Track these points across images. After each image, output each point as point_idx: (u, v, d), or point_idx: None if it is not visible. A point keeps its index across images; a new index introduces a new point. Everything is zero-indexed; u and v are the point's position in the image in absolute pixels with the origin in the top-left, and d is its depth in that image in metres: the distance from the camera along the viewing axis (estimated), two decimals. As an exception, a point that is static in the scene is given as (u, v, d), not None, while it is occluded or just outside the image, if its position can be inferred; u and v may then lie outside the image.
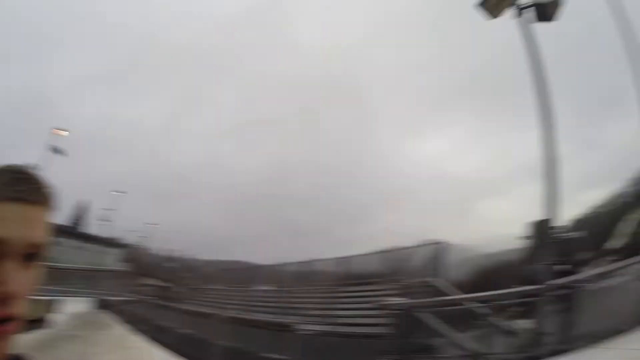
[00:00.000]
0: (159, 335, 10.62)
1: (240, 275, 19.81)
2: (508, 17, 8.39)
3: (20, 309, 0.57)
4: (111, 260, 44.36)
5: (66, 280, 36.07)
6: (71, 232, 44.81)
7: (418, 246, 10.59)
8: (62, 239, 39.62)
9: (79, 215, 59.96)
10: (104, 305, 20.73)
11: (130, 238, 49.77)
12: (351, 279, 11.53)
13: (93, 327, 14.95)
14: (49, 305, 18.45)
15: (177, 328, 9.53)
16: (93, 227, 45.31)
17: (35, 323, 16.42)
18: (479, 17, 8.73)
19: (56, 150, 23.39)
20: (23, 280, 0.56)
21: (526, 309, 7.23)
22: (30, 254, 0.58)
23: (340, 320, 9.58)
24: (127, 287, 34.27)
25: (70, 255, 39.70)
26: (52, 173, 20.63)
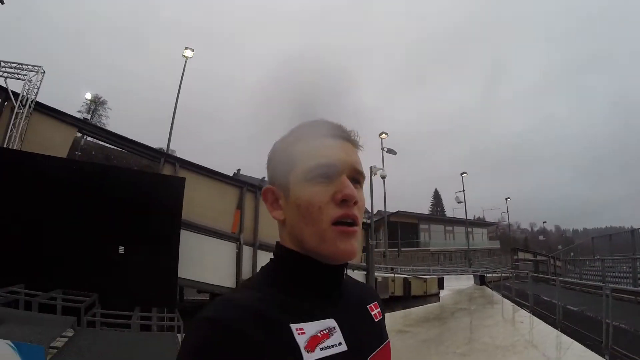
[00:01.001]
0: (541, 310, 10.11)
1: (620, 241, 16.68)
2: None
3: (357, 215, 0.72)
4: (480, 239, 46.31)
5: (445, 260, 40.36)
6: (437, 218, 49.99)
7: None
8: (431, 226, 44.76)
9: (437, 203, 66.18)
10: (482, 282, 21.64)
11: (490, 215, 50.79)
12: None
13: (479, 301, 15.84)
14: (437, 283, 21.05)
15: (560, 303, 8.75)
16: (454, 212, 48.40)
17: (428, 298, 19.12)
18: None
19: (389, 151, 26.66)
20: (357, 193, 0.72)
21: None
22: (356, 178, 0.75)
23: None
24: (501, 263, 34.77)
25: (441, 239, 44.21)
26: (388, 170, 23.78)
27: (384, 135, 29.63)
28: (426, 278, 21.22)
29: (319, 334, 0.65)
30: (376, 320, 0.84)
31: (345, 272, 0.81)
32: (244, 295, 0.66)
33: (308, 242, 0.71)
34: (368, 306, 0.85)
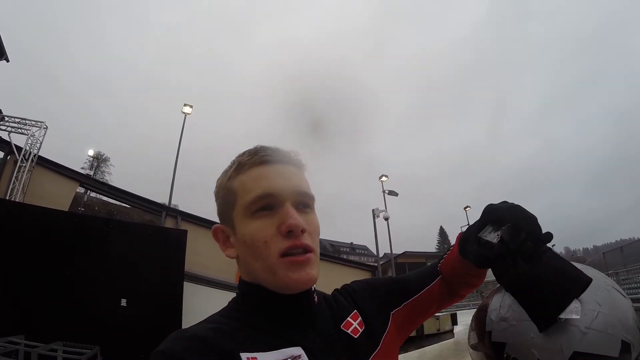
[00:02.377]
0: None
1: (632, 252, 16.39)
2: None
3: (309, 242, 0.71)
4: (490, 271, 45.49)
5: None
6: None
7: None
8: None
9: (444, 240, 65.51)
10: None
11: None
12: None
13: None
14: (450, 319, 20.50)
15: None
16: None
17: (442, 335, 18.56)
18: None
19: (390, 193, 27.05)
20: (303, 219, 0.71)
21: None
22: (303, 202, 0.74)
23: None
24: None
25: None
26: (391, 212, 23.91)
27: (384, 178, 29.88)
28: (439, 315, 20.65)
29: None
30: (356, 337, 0.79)
31: (315, 292, 0.79)
32: (197, 327, 0.68)
33: (260, 276, 0.71)
34: (342, 325, 0.80)
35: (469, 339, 1.37)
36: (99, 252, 8.75)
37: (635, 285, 14.28)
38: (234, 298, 0.78)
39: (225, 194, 0.75)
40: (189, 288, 10.26)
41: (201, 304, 10.84)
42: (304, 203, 0.74)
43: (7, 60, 19.42)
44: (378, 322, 0.85)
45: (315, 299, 0.79)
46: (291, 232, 0.68)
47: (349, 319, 0.82)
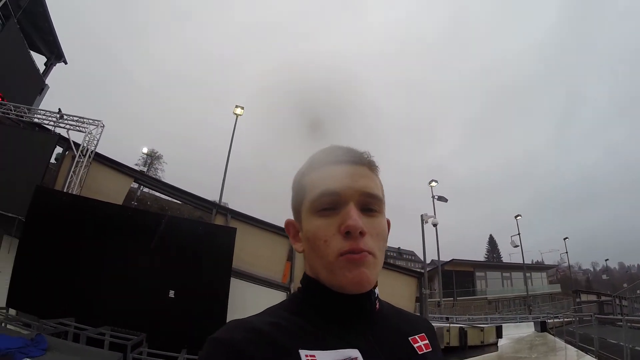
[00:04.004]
0: (608, 355, 9.31)
1: None
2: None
3: (369, 245, 0.69)
4: (539, 283, 43.42)
5: (504, 308, 37.96)
6: (493, 265, 47.65)
7: None
8: (487, 273, 42.68)
9: (493, 249, 63.25)
10: (544, 328, 20.15)
11: (549, 258, 47.58)
12: None
13: (540, 349, 14.74)
14: (495, 332, 19.82)
15: (628, 345, 8.08)
16: (510, 257, 46.02)
17: (486, 347, 17.96)
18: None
19: (440, 199, 26.65)
20: (365, 221, 0.70)
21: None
22: (368, 204, 0.73)
23: None
24: (563, 307, 32.29)
25: (498, 286, 41.88)
26: (441, 219, 23.32)
27: (433, 183, 29.35)
28: (483, 327, 20.00)
29: None
30: (420, 353, 0.77)
31: (377, 302, 0.79)
32: (257, 319, 0.68)
33: (321, 273, 0.71)
34: (411, 338, 0.79)
35: None
36: (151, 245, 9.21)
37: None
38: (294, 292, 0.79)
39: (297, 190, 0.77)
40: (235, 284, 10.54)
41: (246, 300, 11.11)
42: (370, 204, 0.73)
43: (66, 63, 20.85)
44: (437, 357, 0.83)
45: (377, 306, 0.78)
46: (349, 234, 0.68)
47: (417, 336, 0.80)
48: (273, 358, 0.60)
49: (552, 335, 17.66)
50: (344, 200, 0.70)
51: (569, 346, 12.91)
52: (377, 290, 0.77)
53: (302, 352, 0.62)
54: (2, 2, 14.75)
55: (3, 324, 7.14)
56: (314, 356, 0.62)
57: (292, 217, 0.80)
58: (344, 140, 0.80)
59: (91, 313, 8.18)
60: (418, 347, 0.78)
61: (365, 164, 0.75)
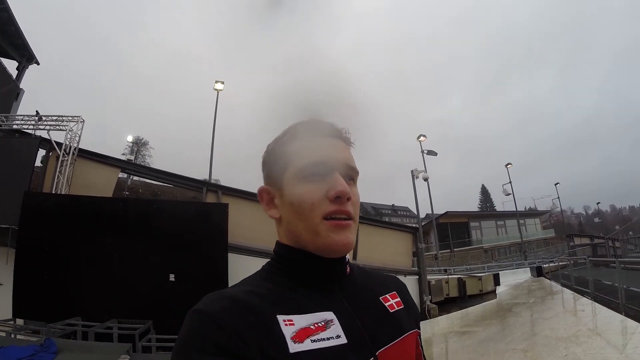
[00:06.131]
0: (603, 296, 9.60)
1: None
2: None
3: (353, 211, 0.75)
4: (533, 229, 44.39)
5: (500, 256, 38.92)
6: (487, 214, 48.51)
7: None
8: (482, 222, 43.49)
9: (486, 199, 64.24)
10: (540, 273, 20.74)
11: (541, 204, 48.51)
12: None
13: (537, 294, 15.17)
14: (492, 280, 20.35)
15: (623, 286, 8.30)
16: (504, 206, 46.83)
17: (485, 296, 18.49)
18: None
19: (429, 152, 26.86)
20: (351, 189, 0.75)
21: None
22: (350, 175, 0.78)
23: None
24: (557, 252, 33.18)
25: (493, 234, 42.81)
26: (436, 172, 23.41)
27: (422, 137, 29.36)
28: (481, 276, 20.53)
29: (311, 326, 0.67)
30: (392, 312, 0.82)
31: (348, 264, 0.81)
32: (234, 289, 0.70)
33: (303, 236, 0.74)
34: (382, 297, 0.83)
35: None
36: (146, 232, 9.22)
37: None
38: (268, 261, 0.81)
39: (277, 158, 0.79)
40: (233, 259, 10.58)
41: (246, 273, 11.15)
42: (350, 176, 0.78)
43: (38, 64, 20.17)
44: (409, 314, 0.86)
45: (348, 270, 0.81)
46: (338, 198, 0.72)
47: (387, 295, 0.85)
48: (253, 325, 0.62)
49: (549, 279, 18.18)
50: (331, 169, 0.74)
51: (565, 289, 13.31)
52: (348, 255, 0.80)
53: (280, 317, 0.65)
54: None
55: (12, 335, 7.16)
56: (291, 320, 0.65)
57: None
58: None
59: (96, 309, 8.26)
60: (389, 305, 0.82)
61: (344, 139, 0.81)
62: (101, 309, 8.30)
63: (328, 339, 0.66)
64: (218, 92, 21.98)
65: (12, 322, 8.21)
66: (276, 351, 0.61)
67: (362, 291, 0.81)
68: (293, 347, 0.62)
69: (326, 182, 0.73)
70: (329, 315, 0.70)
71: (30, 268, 8.68)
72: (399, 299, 0.86)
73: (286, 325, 0.65)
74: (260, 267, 0.81)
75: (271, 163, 0.81)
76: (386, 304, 0.82)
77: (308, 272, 0.75)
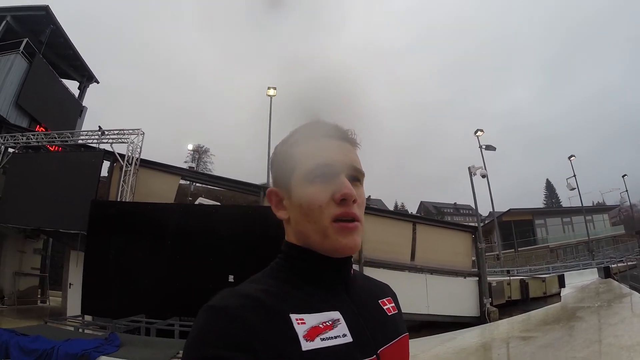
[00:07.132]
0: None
1: None
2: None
3: (358, 212, 0.76)
4: (602, 226, 41.22)
5: (567, 255, 36.54)
6: (552, 211, 45.66)
7: None
8: (547, 220, 40.93)
9: (551, 194, 60.58)
10: (607, 274, 19.41)
11: (610, 198, 44.72)
12: None
13: (603, 297, 14.25)
14: (557, 281, 19.29)
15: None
16: (570, 201, 43.73)
17: (549, 298, 17.61)
18: None
19: (488, 148, 25.73)
20: (357, 191, 0.77)
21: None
22: (355, 177, 0.80)
23: None
24: (626, 250, 30.77)
25: (560, 232, 40.11)
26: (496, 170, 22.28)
27: (479, 132, 28.15)
28: (545, 277, 19.54)
29: (320, 325, 0.68)
30: (389, 314, 0.85)
31: (352, 267, 0.85)
32: (247, 287, 0.71)
33: (312, 237, 0.75)
34: (380, 300, 0.87)
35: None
36: (206, 236, 9.78)
37: None
38: (276, 260, 0.83)
39: (285, 160, 0.81)
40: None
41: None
42: (356, 178, 0.80)
43: (97, 82, 21.86)
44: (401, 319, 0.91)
45: (352, 272, 0.85)
46: (344, 201, 0.74)
47: (385, 299, 0.89)
48: (268, 322, 0.64)
49: (617, 281, 17.03)
50: (337, 171, 0.76)
51: (634, 292, 12.48)
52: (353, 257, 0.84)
53: (293, 316, 0.67)
54: (24, 43, 15.85)
55: (80, 330, 7.97)
56: (302, 319, 0.67)
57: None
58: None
59: (159, 308, 8.92)
60: (387, 309, 0.87)
61: (350, 141, 0.83)
62: (164, 307, 8.93)
63: (335, 337, 0.68)
64: (271, 97, 22.50)
65: (80, 319, 9.08)
66: (290, 349, 0.63)
67: (364, 293, 0.85)
68: (305, 345, 0.64)
69: (333, 184, 0.75)
70: (336, 314, 0.72)
71: (98, 270, 9.50)
72: (394, 304, 0.90)
73: (298, 324, 0.66)
74: (268, 266, 0.83)
75: (279, 165, 0.83)
76: (384, 307, 0.86)
77: (317, 271, 0.77)
